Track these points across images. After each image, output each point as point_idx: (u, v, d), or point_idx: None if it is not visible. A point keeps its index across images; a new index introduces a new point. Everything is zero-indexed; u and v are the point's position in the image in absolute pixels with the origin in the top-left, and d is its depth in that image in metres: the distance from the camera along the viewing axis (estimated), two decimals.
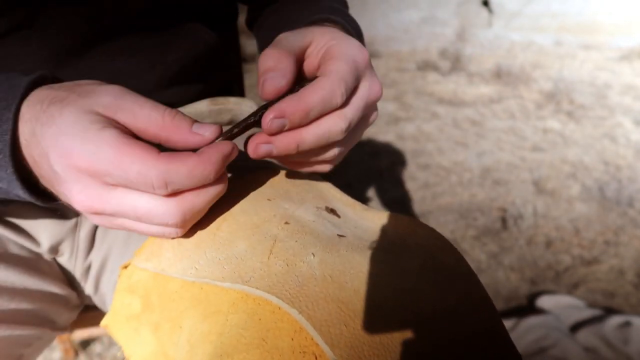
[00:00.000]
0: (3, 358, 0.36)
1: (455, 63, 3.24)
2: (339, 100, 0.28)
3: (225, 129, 0.28)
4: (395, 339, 0.22)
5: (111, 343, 1.07)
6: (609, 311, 1.11)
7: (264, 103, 0.29)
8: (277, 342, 0.22)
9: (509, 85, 2.83)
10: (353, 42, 0.31)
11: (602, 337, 1.01)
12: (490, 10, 4.71)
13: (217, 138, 0.27)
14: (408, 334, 0.23)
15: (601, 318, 1.05)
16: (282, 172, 0.37)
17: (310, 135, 0.28)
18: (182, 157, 0.24)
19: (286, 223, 0.29)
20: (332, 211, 0.33)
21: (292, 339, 0.22)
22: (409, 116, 2.38)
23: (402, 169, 1.84)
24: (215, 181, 0.26)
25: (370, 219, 0.33)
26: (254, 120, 0.29)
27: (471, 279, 0.27)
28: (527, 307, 1.16)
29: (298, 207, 0.31)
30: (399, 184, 1.74)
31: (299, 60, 0.30)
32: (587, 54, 3.62)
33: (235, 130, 0.28)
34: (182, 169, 0.24)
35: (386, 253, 0.28)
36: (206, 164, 0.25)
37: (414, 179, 1.77)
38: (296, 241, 0.27)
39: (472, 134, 2.17)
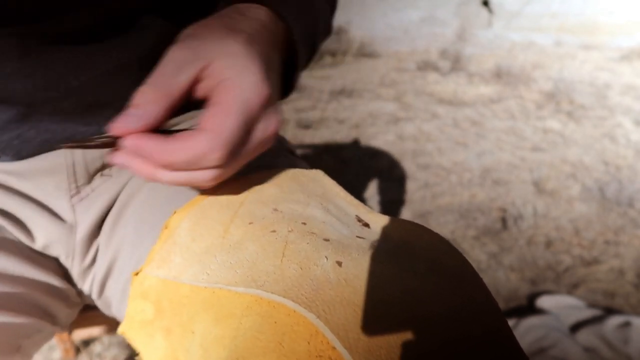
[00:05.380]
0: (2, 345, 0.36)
1: (455, 63, 3.24)
2: (212, 164, 0.26)
3: None
4: (410, 343, 0.22)
5: (111, 343, 1.07)
6: (609, 311, 1.11)
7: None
8: (293, 345, 0.22)
9: (509, 85, 2.83)
10: (251, 78, 0.26)
11: (602, 337, 1.01)
12: (490, 10, 4.71)
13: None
14: (421, 337, 0.22)
15: (601, 318, 1.05)
16: (287, 171, 0.36)
17: (167, 179, 0.26)
18: None
19: (296, 224, 0.29)
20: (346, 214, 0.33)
21: (309, 343, 0.22)
22: (409, 116, 2.38)
23: (402, 169, 1.84)
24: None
25: (375, 221, 0.33)
26: (112, 141, 0.27)
27: (476, 281, 0.27)
28: (527, 307, 1.16)
29: (305, 207, 0.31)
30: (399, 184, 1.74)
31: (179, 97, 0.26)
32: (587, 54, 3.62)
33: (90, 144, 0.27)
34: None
35: (394, 256, 0.27)
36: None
37: (414, 179, 1.77)
38: (308, 243, 0.27)
39: (472, 134, 2.17)
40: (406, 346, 0.22)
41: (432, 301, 0.24)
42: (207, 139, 0.25)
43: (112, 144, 0.27)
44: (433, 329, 0.23)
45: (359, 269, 0.25)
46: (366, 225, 0.32)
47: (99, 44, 0.37)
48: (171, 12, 0.42)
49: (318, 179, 0.37)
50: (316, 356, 0.21)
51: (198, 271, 0.27)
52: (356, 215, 0.33)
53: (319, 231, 0.28)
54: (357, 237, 0.29)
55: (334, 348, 0.22)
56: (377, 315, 0.23)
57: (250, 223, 0.28)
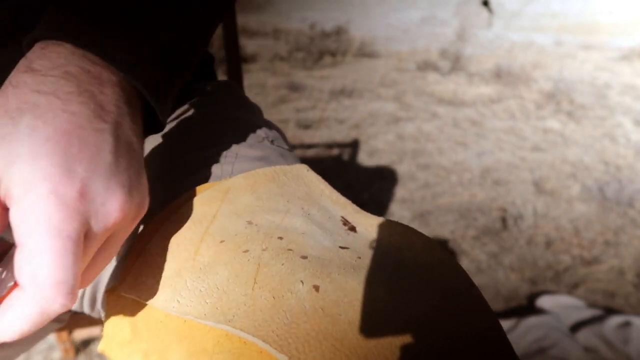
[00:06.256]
0: None
1: (455, 63, 3.24)
2: (59, 310, 0.20)
3: None
4: None
5: None
6: (609, 311, 1.11)
7: None
8: None
9: (509, 85, 2.83)
10: (40, 191, 0.20)
11: (602, 337, 1.01)
12: (490, 10, 4.72)
13: None
14: None
15: (601, 318, 1.05)
16: (266, 171, 0.34)
17: None
18: None
19: (271, 240, 0.27)
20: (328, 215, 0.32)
21: None
22: (409, 116, 2.38)
23: (402, 169, 1.84)
24: None
25: (363, 224, 0.31)
26: None
27: (472, 293, 0.26)
28: (527, 307, 1.16)
29: (284, 216, 0.29)
30: (399, 184, 1.74)
31: None
32: (587, 54, 3.62)
33: None
34: None
35: (382, 271, 0.26)
36: None
37: (414, 179, 1.77)
38: (283, 264, 0.25)
39: (472, 134, 2.17)
40: None
41: (426, 329, 0.23)
42: (34, 300, 0.19)
43: None
44: (423, 356, 0.22)
45: (338, 293, 0.24)
46: (352, 229, 0.30)
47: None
48: None
49: (301, 175, 0.35)
50: None
51: (169, 297, 0.26)
52: (342, 217, 0.31)
53: (297, 246, 0.27)
54: (341, 247, 0.27)
55: None
56: (359, 349, 0.22)
57: (221, 241, 0.27)
